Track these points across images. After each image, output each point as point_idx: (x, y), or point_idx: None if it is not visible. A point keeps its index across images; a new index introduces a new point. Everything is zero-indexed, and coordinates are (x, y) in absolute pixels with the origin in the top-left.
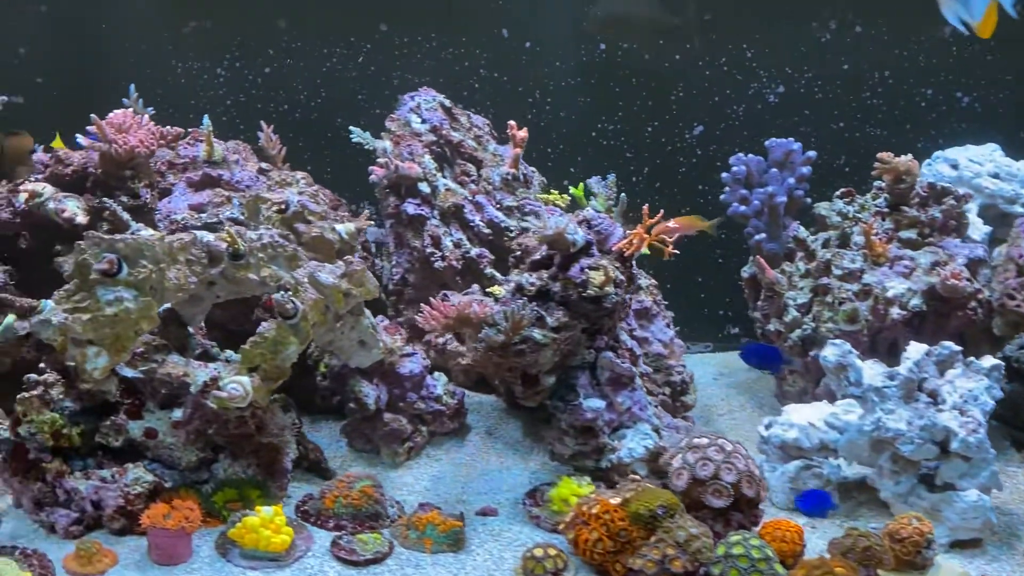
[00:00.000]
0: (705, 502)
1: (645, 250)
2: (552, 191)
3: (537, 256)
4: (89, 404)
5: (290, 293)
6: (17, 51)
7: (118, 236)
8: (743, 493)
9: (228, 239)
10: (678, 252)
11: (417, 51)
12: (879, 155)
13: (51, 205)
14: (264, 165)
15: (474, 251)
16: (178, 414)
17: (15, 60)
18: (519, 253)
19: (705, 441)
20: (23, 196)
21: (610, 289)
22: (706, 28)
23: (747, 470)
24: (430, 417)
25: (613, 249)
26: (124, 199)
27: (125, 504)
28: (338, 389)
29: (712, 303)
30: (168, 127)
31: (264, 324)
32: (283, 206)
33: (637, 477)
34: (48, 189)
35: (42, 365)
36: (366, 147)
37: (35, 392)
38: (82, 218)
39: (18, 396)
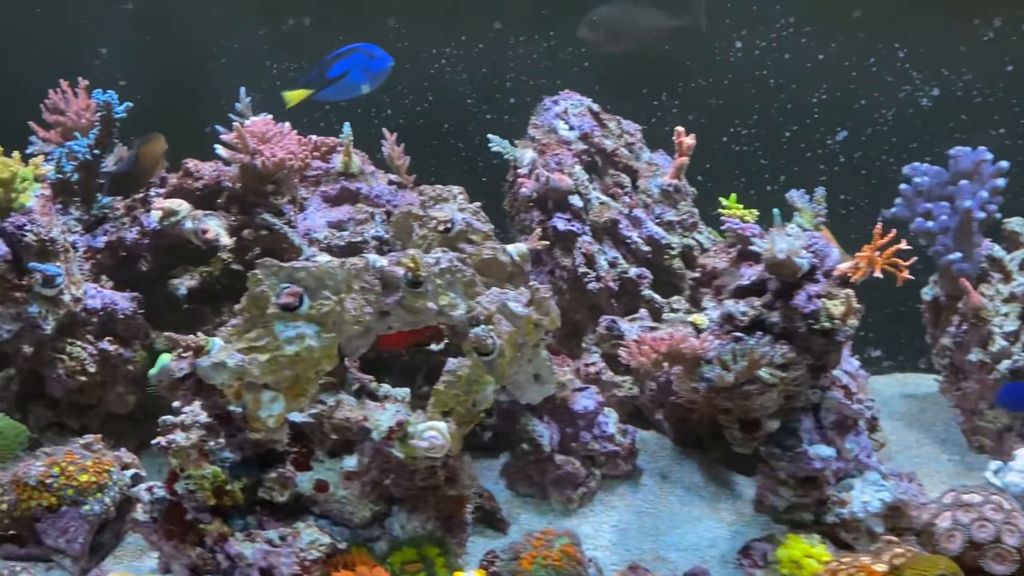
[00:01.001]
0: (985, 568)
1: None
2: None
3: (744, 281)
4: (251, 454)
5: (484, 328)
6: (99, 51)
7: (297, 264)
8: None
9: (410, 264)
10: (912, 277)
11: (534, 51)
12: None
13: (189, 225)
14: (393, 177)
15: (632, 271)
16: (351, 463)
17: (96, 60)
18: (700, 275)
19: (978, 498)
20: (156, 214)
21: (853, 322)
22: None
23: None
24: (603, 459)
25: (835, 274)
26: (266, 216)
27: (301, 572)
28: (507, 427)
29: None
30: (317, 137)
31: (453, 361)
32: (448, 224)
33: (894, 539)
34: (184, 207)
35: (177, 404)
36: (506, 156)
37: (192, 441)
38: (226, 239)
39: (172, 445)
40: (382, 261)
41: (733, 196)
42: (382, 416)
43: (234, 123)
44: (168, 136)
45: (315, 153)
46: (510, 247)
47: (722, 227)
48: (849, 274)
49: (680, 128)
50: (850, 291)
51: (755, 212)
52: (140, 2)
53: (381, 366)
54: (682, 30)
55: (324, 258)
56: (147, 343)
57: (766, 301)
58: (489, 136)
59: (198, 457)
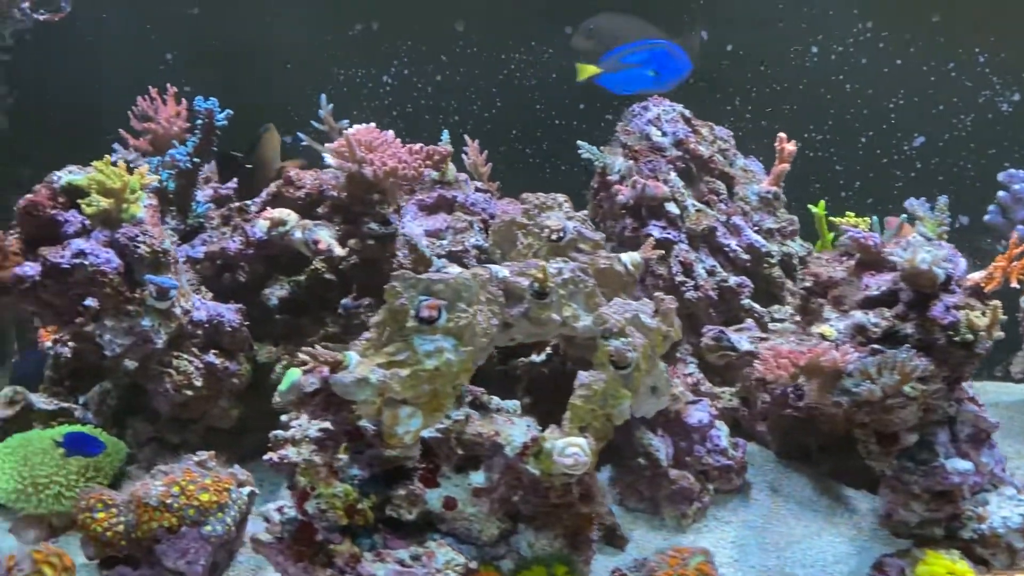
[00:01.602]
0: None
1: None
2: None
3: (873, 292)
4: (379, 471)
5: (624, 341)
6: (164, 57)
7: (434, 275)
8: None
9: (538, 275)
10: None
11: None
12: None
13: (298, 235)
14: (479, 184)
15: (732, 279)
16: (478, 479)
17: (160, 66)
18: (812, 284)
19: None
20: (264, 224)
21: (1000, 334)
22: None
23: None
24: (716, 473)
25: (967, 284)
26: (373, 226)
27: None
28: (618, 440)
29: None
30: (428, 145)
31: (585, 375)
32: (560, 233)
33: None
34: (293, 217)
35: (285, 417)
36: (595, 163)
37: (323, 458)
38: (339, 250)
39: (302, 465)
40: (504, 272)
41: (821, 204)
42: (514, 431)
43: (345, 132)
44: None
45: (428, 162)
46: (624, 256)
47: (840, 236)
48: (982, 284)
49: (782, 134)
50: (997, 302)
51: (868, 220)
52: (206, 7)
53: (476, 376)
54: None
55: (455, 269)
56: (251, 355)
57: (898, 312)
58: (579, 143)
59: (328, 475)
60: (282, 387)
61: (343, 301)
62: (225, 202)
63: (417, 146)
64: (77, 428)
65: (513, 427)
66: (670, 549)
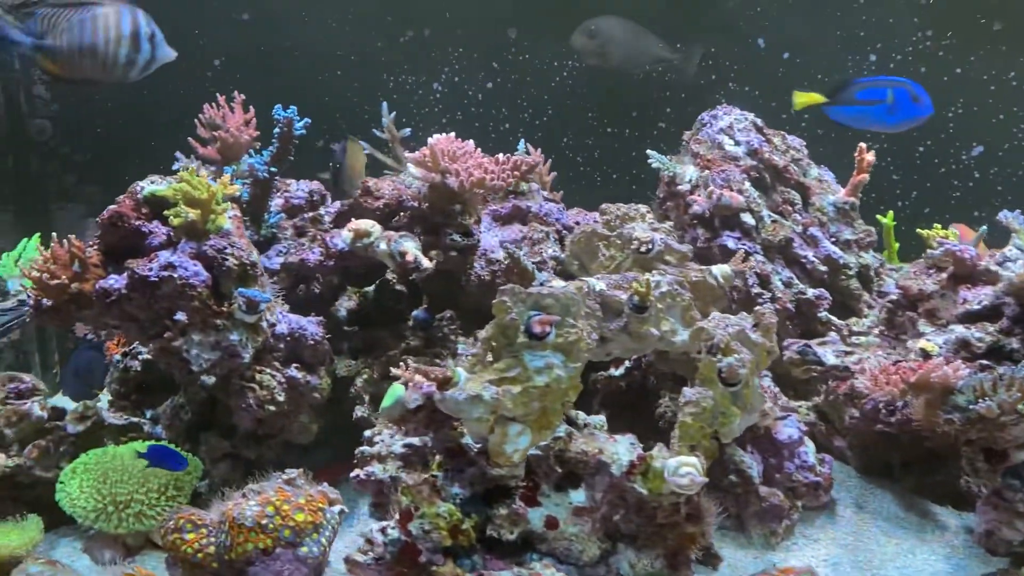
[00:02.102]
0: None
1: None
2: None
3: (974, 306)
4: (480, 490)
5: (736, 357)
6: (212, 63)
7: (543, 290)
8: None
9: (640, 289)
10: None
11: (658, 64)
12: None
13: (383, 247)
14: (545, 194)
15: (811, 292)
16: (578, 498)
17: (208, 72)
18: (896, 297)
19: None
20: (348, 235)
21: None
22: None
23: None
24: (804, 490)
25: None
26: (456, 237)
27: None
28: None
29: None
30: (512, 155)
31: (691, 392)
32: (648, 245)
33: None
34: (377, 228)
35: (368, 433)
36: (664, 172)
37: (424, 477)
38: (426, 262)
39: (403, 484)
40: (600, 284)
41: (890, 215)
42: (618, 449)
43: (430, 141)
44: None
45: (515, 172)
46: (715, 269)
47: (934, 249)
48: None
49: (862, 144)
50: None
51: (955, 232)
52: (257, 14)
53: None
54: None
55: (558, 283)
56: (331, 369)
57: (1003, 327)
58: (649, 152)
59: (431, 494)
60: (386, 403)
61: (415, 313)
62: (296, 212)
63: (503, 156)
64: (153, 443)
65: (616, 444)
66: (775, 569)
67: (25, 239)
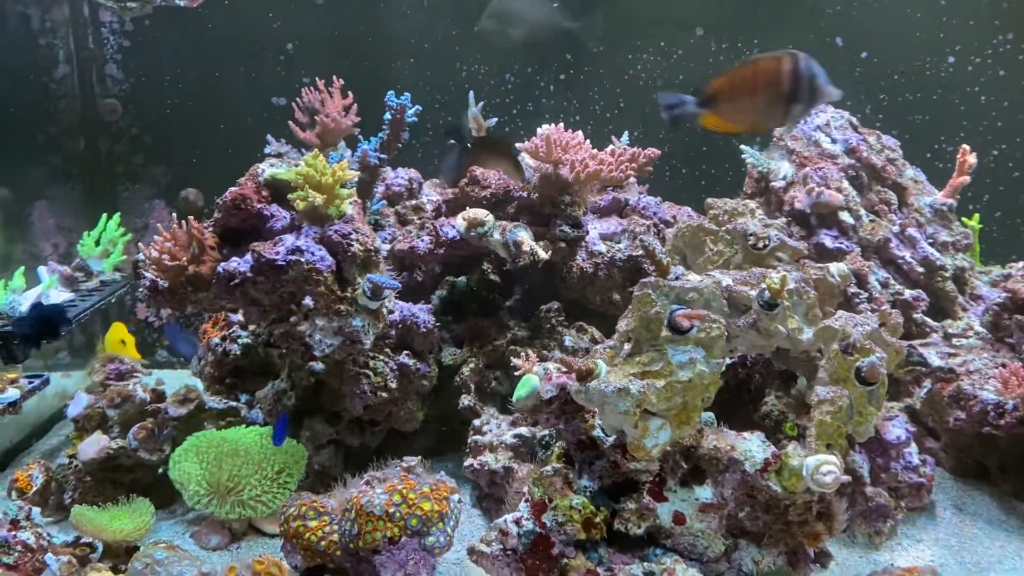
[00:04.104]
0: None
1: None
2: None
3: None
4: (609, 483)
5: (877, 356)
6: (284, 47)
7: (686, 284)
8: None
9: (774, 285)
10: None
11: (735, 58)
12: None
13: (496, 236)
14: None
15: (908, 293)
16: (704, 494)
17: (281, 56)
18: (1002, 300)
19: None
20: (462, 224)
21: None
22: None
23: None
24: (908, 490)
25: None
26: (565, 228)
27: None
28: None
29: None
30: (632, 147)
31: (824, 391)
32: (765, 241)
33: None
34: (490, 218)
35: (478, 422)
36: (758, 169)
37: (555, 468)
38: (542, 252)
39: (535, 474)
40: (727, 280)
41: (976, 217)
42: (751, 447)
43: (541, 131)
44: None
45: (633, 165)
46: (832, 267)
47: None
48: None
49: (965, 146)
50: None
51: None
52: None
53: None
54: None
55: (694, 278)
56: (438, 357)
57: None
58: (743, 148)
59: (563, 486)
60: (520, 391)
61: (508, 304)
62: (397, 200)
63: (618, 147)
64: (255, 428)
65: (748, 442)
66: (899, 569)
67: (104, 216)
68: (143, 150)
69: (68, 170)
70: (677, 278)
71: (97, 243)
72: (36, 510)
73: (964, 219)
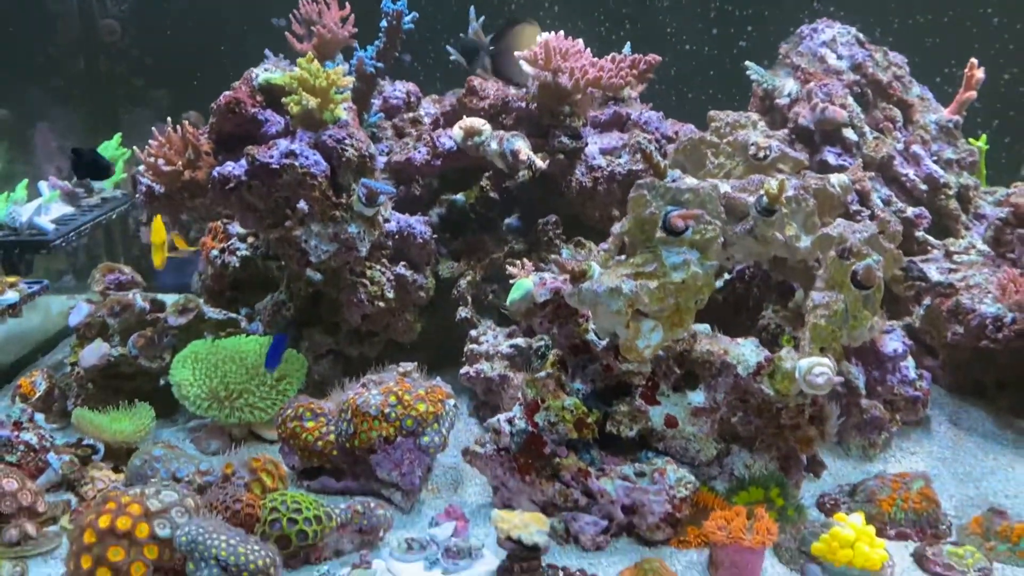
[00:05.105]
0: None
1: None
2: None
3: None
4: (601, 386)
5: (873, 259)
6: None
7: (682, 185)
8: None
9: (772, 191)
10: None
11: None
12: None
13: (494, 146)
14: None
15: (911, 211)
16: (696, 398)
17: None
18: (1005, 215)
19: None
20: (459, 133)
21: None
22: None
23: None
24: (903, 403)
25: None
26: (564, 139)
27: (672, 511)
28: None
29: None
30: (632, 53)
31: (820, 295)
32: (766, 151)
33: None
34: (488, 127)
35: (475, 332)
36: (763, 85)
37: (548, 371)
38: (540, 162)
39: (528, 377)
40: (725, 186)
41: (983, 137)
42: (744, 351)
43: (541, 39)
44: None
45: (633, 71)
46: (833, 177)
47: None
48: None
49: (973, 60)
50: None
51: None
52: None
53: None
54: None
55: (691, 180)
56: (435, 270)
57: None
58: (747, 64)
59: (556, 388)
60: (514, 295)
61: (508, 221)
62: (395, 113)
63: (620, 54)
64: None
65: (741, 347)
66: (892, 475)
67: (106, 142)
68: (143, 72)
69: (68, 92)
70: (674, 180)
71: None
72: (40, 416)
73: (971, 139)
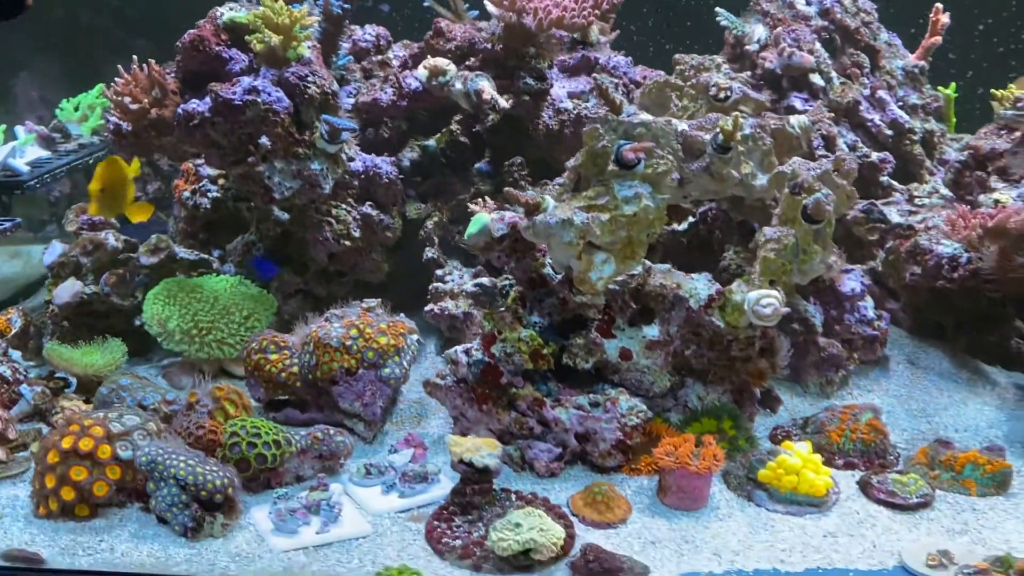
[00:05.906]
0: None
1: None
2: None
3: None
4: (557, 320)
5: (823, 193)
6: None
7: (635, 119)
8: None
9: (727, 128)
10: None
11: None
12: None
13: (458, 86)
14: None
15: (875, 155)
16: (651, 332)
17: None
18: (965, 158)
19: None
20: (424, 73)
21: None
22: None
23: None
24: (861, 343)
25: None
26: (529, 81)
27: (624, 438)
28: None
29: None
30: None
31: (772, 230)
32: (727, 92)
33: None
34: (452, 67)
35: (440, 271)
36: (733, 31)
37: (508, 307)
38: (503, 101)
39: (487, 311)
40: (683, 125)
41: (952, 86)
42: (697, 284)
43: None
44: None
45: (595, 11)
46: (792, 119)
47: (1007, 109)
48: None
49: (938, 5)
50: None
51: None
52: None
53: None
54: None
55: (645, 116)
56: (402, 211)
57: None
58: (717, 10)
59: (513, 320)
60: (472, 229)
61: (478, 165)
62: (364, 55)
63: None
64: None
65: (694, 281)
66: (841, 407)
67: (85, 92)
68: (124, 24)
69: (48, 41)
70: (629, 116)
71: (76, 109)
72: (16, 353)
73: (940, 88)
